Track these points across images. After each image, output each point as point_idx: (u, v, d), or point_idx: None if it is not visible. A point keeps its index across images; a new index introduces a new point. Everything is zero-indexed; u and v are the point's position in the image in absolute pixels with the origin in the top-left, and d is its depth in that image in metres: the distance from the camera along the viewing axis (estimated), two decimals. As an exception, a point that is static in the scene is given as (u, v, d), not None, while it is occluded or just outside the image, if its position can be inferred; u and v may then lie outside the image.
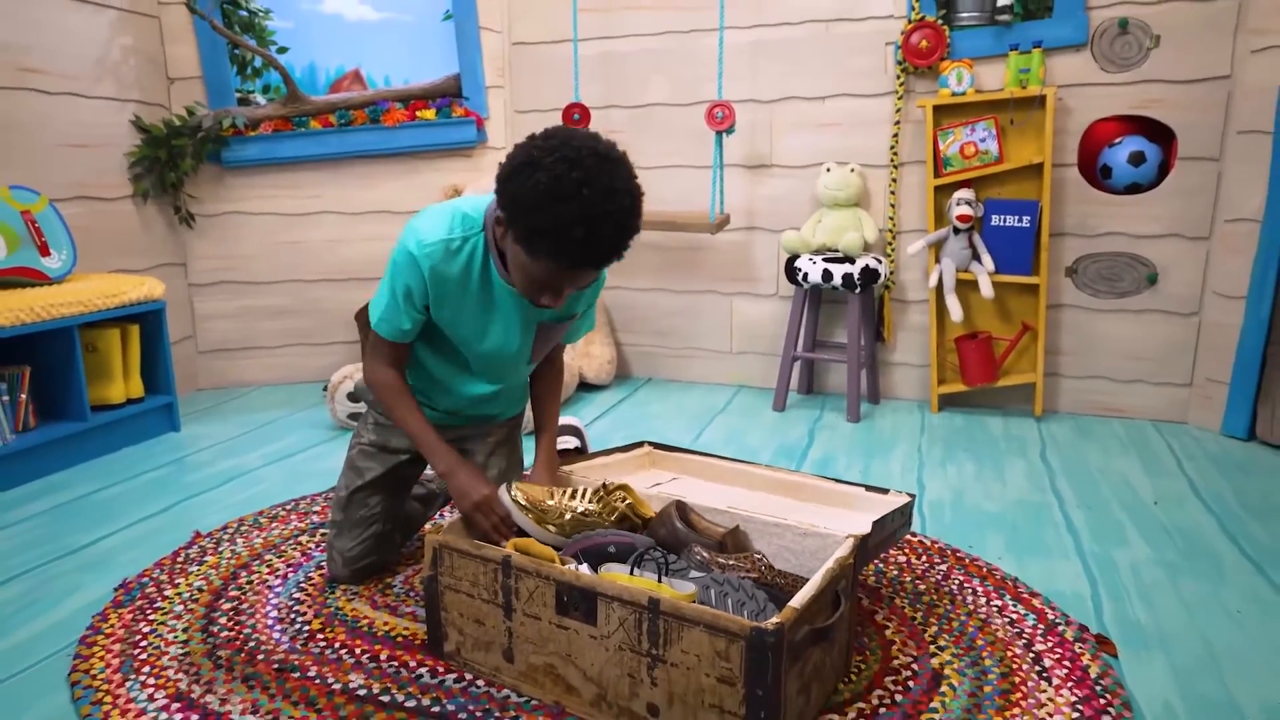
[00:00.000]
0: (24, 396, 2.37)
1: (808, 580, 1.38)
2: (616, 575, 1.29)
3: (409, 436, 1.58)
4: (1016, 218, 2.77)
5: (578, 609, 1.27)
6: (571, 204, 1.22)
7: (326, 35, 3.42)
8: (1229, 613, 1.62)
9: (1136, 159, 2.73)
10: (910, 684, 1.39)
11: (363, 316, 3.15)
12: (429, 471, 1.92)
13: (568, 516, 1.51)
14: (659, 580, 1.27)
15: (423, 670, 1.45)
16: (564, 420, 2.31)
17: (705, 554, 1.38)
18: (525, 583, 1.33)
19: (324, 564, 1.83)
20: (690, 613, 1.16)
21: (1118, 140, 2.77)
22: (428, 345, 1.61)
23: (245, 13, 3.12)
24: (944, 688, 1.38)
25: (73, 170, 2.75)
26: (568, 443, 2.32)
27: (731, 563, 1.36)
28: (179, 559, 1.86)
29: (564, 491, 1.56)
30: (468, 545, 1.39)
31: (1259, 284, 2.57)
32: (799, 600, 1.17)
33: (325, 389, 3.14)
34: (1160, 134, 2.75)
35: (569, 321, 1.63)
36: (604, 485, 1.57)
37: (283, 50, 3.25)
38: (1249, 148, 2.58)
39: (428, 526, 1.77)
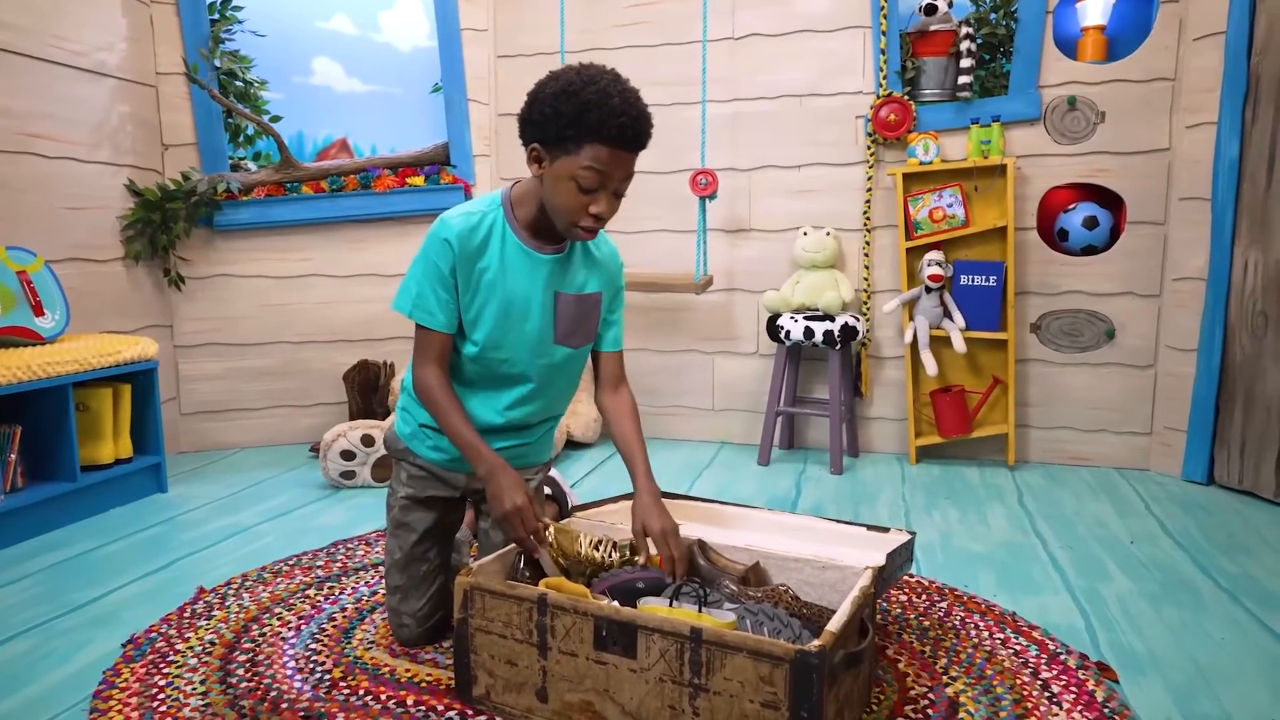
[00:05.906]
0: (13, 457, 2.34)
1: (832, 610, 1.44)
2: (656, 608, 1.34)
3: (450, 438, 1.57)
4: (984, 277, 2.95)
5: (617, 643, 1.31)
6: (590, 87, 1.40)
7: (315, 106, 3.53)
8: (1213, 637, 1.72)
9: (1090, 223, 2.94)
10: (930, 711, 1.45)
11: (351, 377, 3.18)
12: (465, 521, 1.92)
13: (597, 561, 1.56)
14: (699, 612, 1.32)
15: (452, 713, 1.46)
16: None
17: (734, 587, 1.44)
18: (561, 620, 1.36)
19: (335, 615, 1.83)
20: (733, 640, 1.21)
21: (1072, 206, 2.99)
22: (467, 350, 1.60)
23: (241, 83, 3.21)
24: (961, 714, 1.44)
25: (68, 232, 2.77)
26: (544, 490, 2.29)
27: (759, 595, 1.42)
28: (186, 614, 1.84)
29: (590, 541, 1.60)
30: (501, 586, 1.42)
31: (1208, 337, 2.76)
32: (835, 624, 1.24)
33: (313, 449, 3.14)
34: (1110, 200, 2.98)
35: (591, 301, 1.63)
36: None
37: (276, 119, 3.34)
38: (1190, 213, 2.81)
39: None
